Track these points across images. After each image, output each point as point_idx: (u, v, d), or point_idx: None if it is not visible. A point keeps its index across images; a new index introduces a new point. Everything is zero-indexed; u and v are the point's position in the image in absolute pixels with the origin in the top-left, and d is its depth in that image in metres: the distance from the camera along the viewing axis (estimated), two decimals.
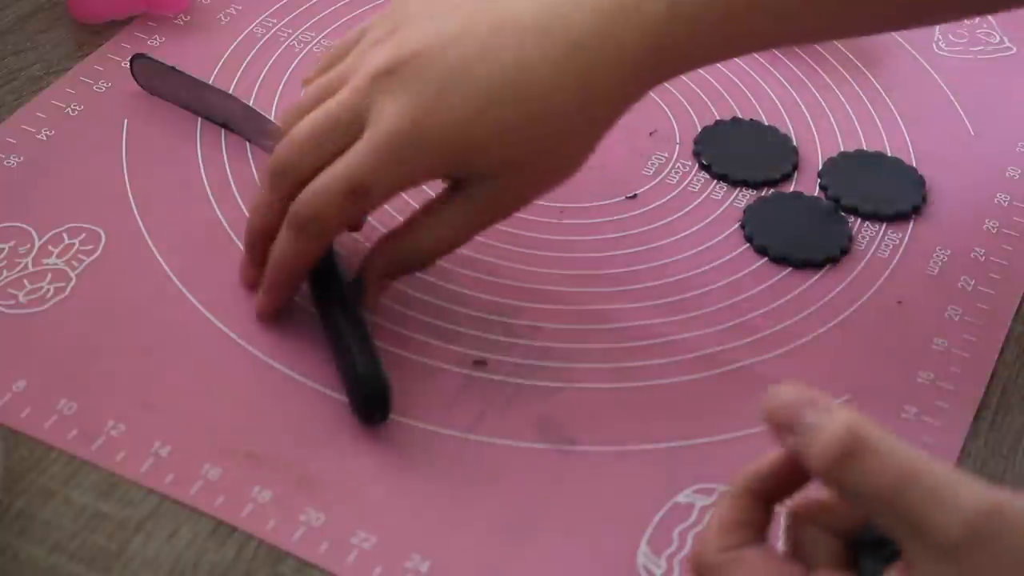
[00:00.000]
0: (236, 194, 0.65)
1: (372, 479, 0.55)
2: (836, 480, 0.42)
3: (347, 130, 0.56)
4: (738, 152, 0.69)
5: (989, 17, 0.78)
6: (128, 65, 0.70)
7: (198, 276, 0.62)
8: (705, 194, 0.67)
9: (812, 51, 0.75)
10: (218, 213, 0.65)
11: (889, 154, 0.70)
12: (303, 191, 0.56)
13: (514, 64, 0.55)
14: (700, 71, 0.73)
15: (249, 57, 0.73)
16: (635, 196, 0.67)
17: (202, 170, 0.67)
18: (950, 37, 0.77)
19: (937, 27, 0.77)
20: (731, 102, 0.72)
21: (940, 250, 0.65)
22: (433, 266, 0.60)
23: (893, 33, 0.77)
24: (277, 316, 0.59)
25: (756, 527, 0.45)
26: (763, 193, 0.67)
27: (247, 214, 0.64)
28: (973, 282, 0.64)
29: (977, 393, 0.59)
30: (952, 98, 0.73)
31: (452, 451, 0.56)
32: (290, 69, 0.72)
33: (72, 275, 0.61)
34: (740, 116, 0.71)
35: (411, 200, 0.62)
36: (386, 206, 0.60)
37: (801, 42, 0.72)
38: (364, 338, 0.57)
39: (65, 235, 0.63)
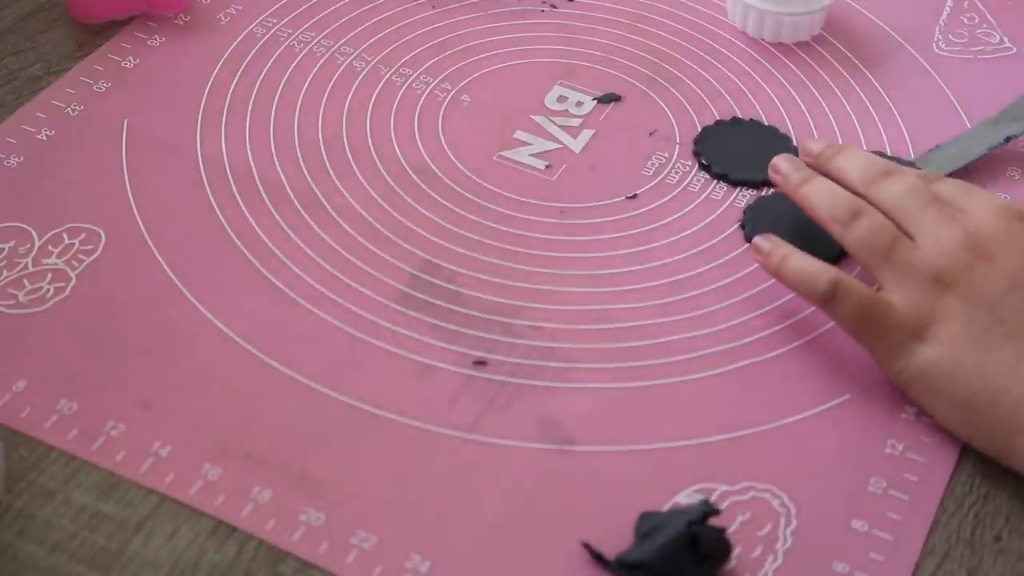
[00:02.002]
0: (236, 194, 0.65)
1: (372, 479, 0.55)
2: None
3: None
4: (738, 152, 0.69)
5: (989, 17, 0.78)
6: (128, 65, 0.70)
7: (198, 276, 0.62)
8: (705, 194, 0.67)
9: (812, 51, 0.75)
10: (218, 213, 0.65)
11: (889, 154, 0.69)
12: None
13: None
14: (700, 71, 0.74)
15: (249, 57, 0.73)
16: (635, 196, 0.67)
17: (202, 170, 0.66)
18: (950, 37, 0.77)
19: (937, 27, 0.77)
20: (731, 102, 0.72)
21: None
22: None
23: (893, 33, 0.77)
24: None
25: None
26: (763, 193, 0.67)
27: (250, 217, 0.64)
28: None
29: None
30: (952, 98, 0.73)
31: (452, 451, 0.56)
32: (290, 69, 0.72)
33: (72, 275, 0.61)
34: (740, 116, 0.71)
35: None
36: None
37: None
38: None
39: (65, 235, 0.63)
